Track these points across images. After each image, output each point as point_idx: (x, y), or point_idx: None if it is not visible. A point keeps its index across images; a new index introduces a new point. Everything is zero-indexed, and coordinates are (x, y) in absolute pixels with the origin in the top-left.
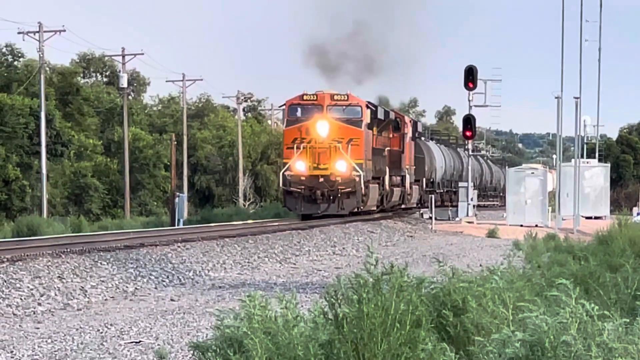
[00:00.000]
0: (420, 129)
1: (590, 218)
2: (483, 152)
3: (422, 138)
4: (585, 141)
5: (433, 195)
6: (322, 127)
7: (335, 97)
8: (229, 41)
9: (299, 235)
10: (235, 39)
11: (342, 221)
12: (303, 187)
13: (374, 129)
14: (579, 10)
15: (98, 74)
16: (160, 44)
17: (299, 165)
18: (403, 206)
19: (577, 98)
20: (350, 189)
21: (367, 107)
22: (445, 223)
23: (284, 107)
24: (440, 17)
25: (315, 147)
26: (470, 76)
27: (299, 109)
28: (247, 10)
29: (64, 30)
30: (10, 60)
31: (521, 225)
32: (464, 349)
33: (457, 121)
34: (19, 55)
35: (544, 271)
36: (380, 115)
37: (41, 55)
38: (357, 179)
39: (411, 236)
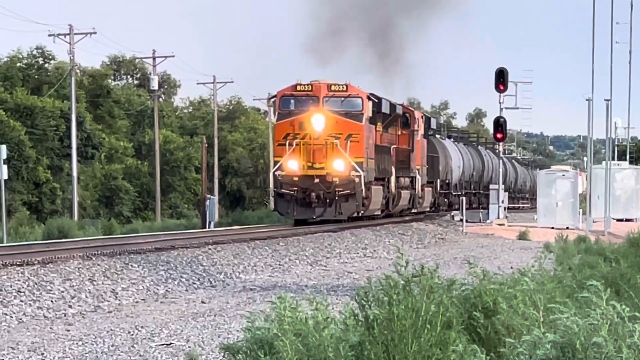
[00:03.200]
0: (434, 125)
1: (621, 220)
2: (514, 155)
3: (438, 136)
4: (616, 143)
5: (464, 198)
6: (317, 121)
7: (333, 88)
8: (260, 44)
9: (329, 237)
10: (266, 42)
11: (374, 223)
12: (296, 188)
13: (378, 124)
14: (609, 12)
15: (129, 76)
16: (191, 46)
17: (292, 164)
18: (414, 210)
19: (608, 100)
20: (348, 191)
21: (369, 98)
22: (476, 225)
23: (274, 98)
24: (470, 20)
25: (309, 144)
26: (501, 78)
27: (292, 101)
28: (279, 13)
29: (95, 33)
30: (40, 62)
31: (552, 228)
32: (495, 350)
33: (488, 123)
34: (50, 57)
35: (574, 273)
36: (385, 108)
37: (72, 57)
38: (357, 179)
39: (442, 238)
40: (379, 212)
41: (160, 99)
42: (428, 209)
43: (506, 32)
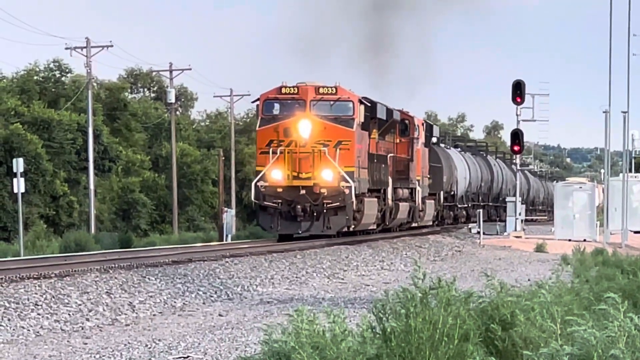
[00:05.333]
0: (436, 133)
1: (638, 232)
2: (531, 167)
3: (443, 145)
4: (633, 155)
5: (481, 210)
6: (304, 126)
7: (321, 90)
8: (277, 56)
9: (347, 250)
10: (284, 55)
11: (391, 236)
12: (280, 200)
13: (374, 131)
14: (626, 24)
15: (145, 90)
16: (207, 59)
17: (275, 174)
18: (414, 224)
19: (625, 112)
20: (338, 204)
21: (361, 102)
22: (493, 238)
23: (257, 102)
24: (487, 33)
25: (295, 152)
26: (518, 91)
27: (277, 105)
28: (296, 27)
29: (112, 46)
30: (57, 75)
31: (569, 240)
32: None
33: (505, 136)
34: (67, 70)
35: (592, 285)
36: (381, 114)
37: (89, 70)
38: (347, 191)
39: (459, 251)
40: (374, 227)
41: (177, 112)
42: (430, 223)
43: (523, 45)
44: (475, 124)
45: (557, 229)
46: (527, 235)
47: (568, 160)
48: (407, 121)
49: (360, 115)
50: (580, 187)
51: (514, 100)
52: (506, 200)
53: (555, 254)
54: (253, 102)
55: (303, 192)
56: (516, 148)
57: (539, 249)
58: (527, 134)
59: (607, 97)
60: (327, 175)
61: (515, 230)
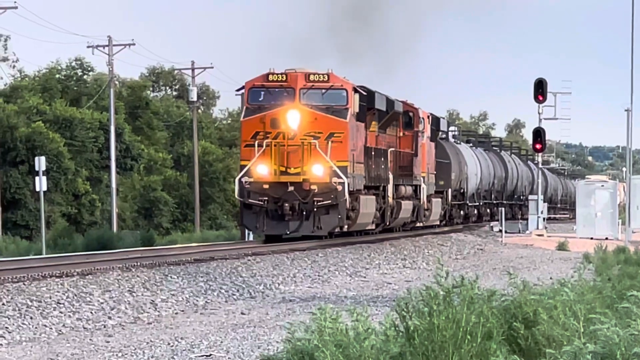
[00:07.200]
0: (444, 126)
1: None
2: (552, 165)
3: (453, 140)
4: None
5: (503, 209)
6: (292, 117)
7: (312, 78)
8: (297, 54)
9: (369, 248)
10: (303, 52)
11: (413, 234)
12: (266, 198)
13: (373, 122)
14: None
15: (167, 88)
16: (230, 57)
17: (261, 169)
18: (419, 224)
19: None
20: (329, 202)
21: (356, 91)
22: (515, 236)
23: (242, 91)
24: (510, 31)
25: (283, 145)
26: (540, 89)
27: (263, 94)
28: (314, 25)
29: (134, 44)
30: (79, 74)
31: (591, 238)
32: None
33: (527, 134)
34: (89, 69)
35: (614, 283)
36: (380, 105)
37: (110, 69)
38: (340, 187)
39: (481, 249)
40: (373, 227)
41: (199, 110)
42: (437, 222)
43: (545, 43)
44: (497, 122)
45: (579, 227)
46: (549, 234)
47: (590, 158)
48: (410, 113)
49: (354, 104)
50: (602, 186)
51: (535, 98)
52: (528, 198)
53: (577, 252)
54: (238, 90)
55: (291, 188)
56: (538, 146)
57: (561, 247)
58: (549, 132)
59: (629, 95)
60: (318, 171)
61: (537, 228)
